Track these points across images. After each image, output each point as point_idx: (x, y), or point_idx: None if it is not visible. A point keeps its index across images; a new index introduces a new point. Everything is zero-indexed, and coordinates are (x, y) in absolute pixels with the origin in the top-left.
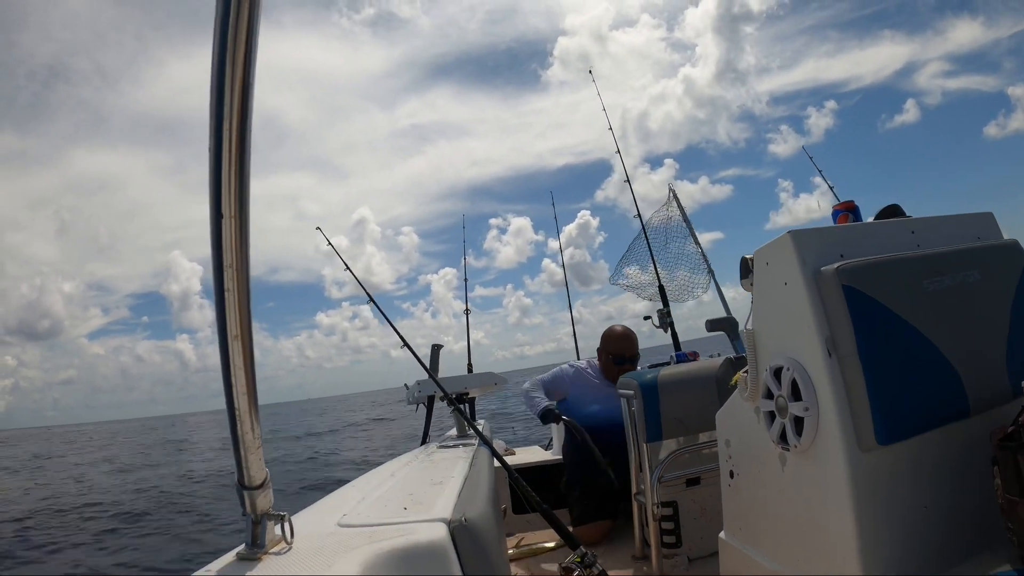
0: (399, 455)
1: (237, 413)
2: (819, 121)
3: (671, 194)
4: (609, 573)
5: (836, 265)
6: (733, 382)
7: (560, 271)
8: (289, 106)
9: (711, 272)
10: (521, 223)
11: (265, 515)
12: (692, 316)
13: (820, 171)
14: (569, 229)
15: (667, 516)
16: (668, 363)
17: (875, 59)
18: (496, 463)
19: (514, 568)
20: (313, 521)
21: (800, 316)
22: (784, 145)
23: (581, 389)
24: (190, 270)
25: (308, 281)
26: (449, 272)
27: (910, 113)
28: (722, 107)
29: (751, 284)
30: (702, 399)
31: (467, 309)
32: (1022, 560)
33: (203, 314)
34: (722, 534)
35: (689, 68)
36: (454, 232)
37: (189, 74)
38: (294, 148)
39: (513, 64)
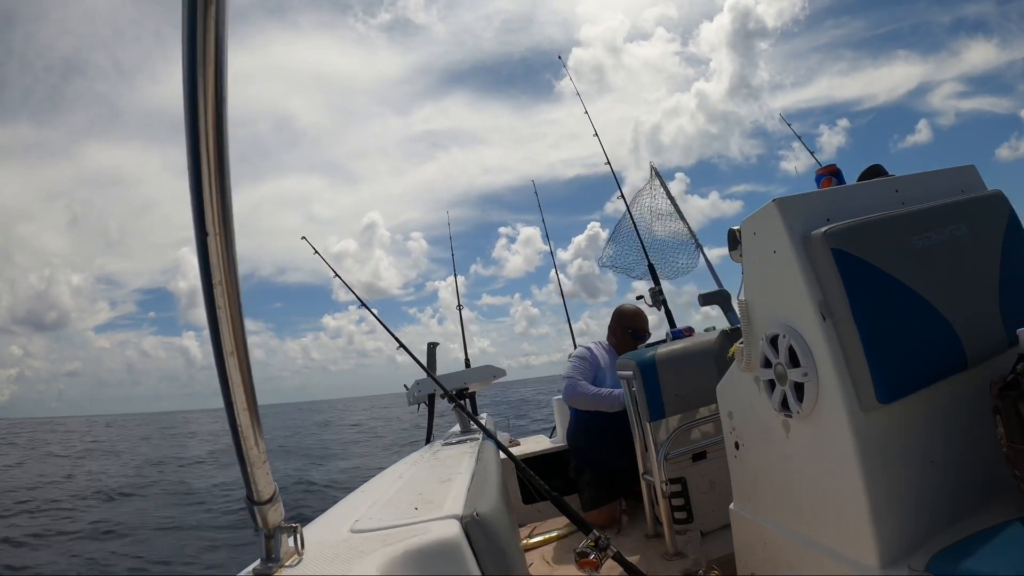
0: (405, 457)
1: (240, 430)
2: (831, 139)
3: (653, 172)
4: (624, 554)
5: (823, 229)
6: (730, 354)
7: (567, 283)
8: (304, 109)
9: (699, 247)
10: (530, 232)
11: (277, 528)
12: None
13: (799, 136)
14: (579, 240)
15: (676, 493)
16: (664, 341)
17: (889, 79)
18: (502, 455)
19: (528, 557)
20: (325, 530)
21: (792, 283)
22: (796, 162)
23: (605, 370)
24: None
25: (316, 283)
26: (458, 279)
27: (922, 133)
28: (735, 122)
29: (740, 255)
30: (701, 374)
31: (459, 305)
32: None
33: None
34: (732, 505)
35: (703, 82)
36: (465, 239)
37: None
38: (307, 150)
39: (527, 74)
